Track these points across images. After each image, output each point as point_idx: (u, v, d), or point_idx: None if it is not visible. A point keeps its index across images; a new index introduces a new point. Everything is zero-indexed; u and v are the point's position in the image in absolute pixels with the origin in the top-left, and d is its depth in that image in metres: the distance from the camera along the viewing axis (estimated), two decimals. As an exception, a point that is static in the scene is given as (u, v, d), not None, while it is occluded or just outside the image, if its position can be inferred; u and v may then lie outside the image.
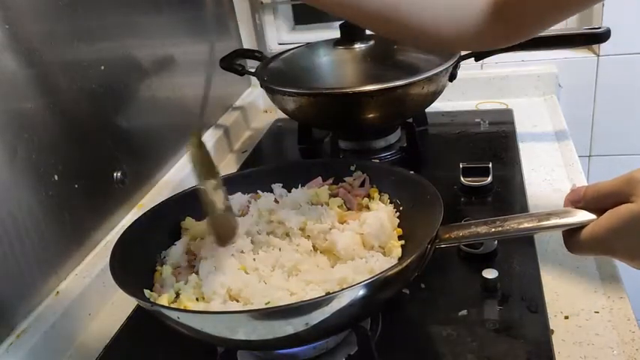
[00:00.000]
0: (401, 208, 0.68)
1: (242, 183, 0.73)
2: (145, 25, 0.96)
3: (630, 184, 0.47)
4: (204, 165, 0.61)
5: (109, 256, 0.58)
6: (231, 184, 0.73)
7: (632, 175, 0.47)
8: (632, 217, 0.46)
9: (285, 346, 0.57)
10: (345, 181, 0.73)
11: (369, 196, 0.70)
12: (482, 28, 0.62)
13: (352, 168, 0.73)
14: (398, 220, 0.67)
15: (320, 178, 0.73)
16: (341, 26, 1.11)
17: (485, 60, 1.08)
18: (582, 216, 0.51)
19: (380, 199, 0.70)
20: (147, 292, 0.58)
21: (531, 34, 0.64)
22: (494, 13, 0.61)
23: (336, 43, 1.12)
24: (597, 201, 0.50)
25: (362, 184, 0.72)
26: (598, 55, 1.23)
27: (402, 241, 0.65)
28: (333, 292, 0.50)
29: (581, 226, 0.51)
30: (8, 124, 0.65)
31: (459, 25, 0.63)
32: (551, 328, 0.62)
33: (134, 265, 0.60)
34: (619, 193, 0.48)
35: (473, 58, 1.05)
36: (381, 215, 0.65)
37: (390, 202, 0.69)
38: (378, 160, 1.01)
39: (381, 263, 0.60)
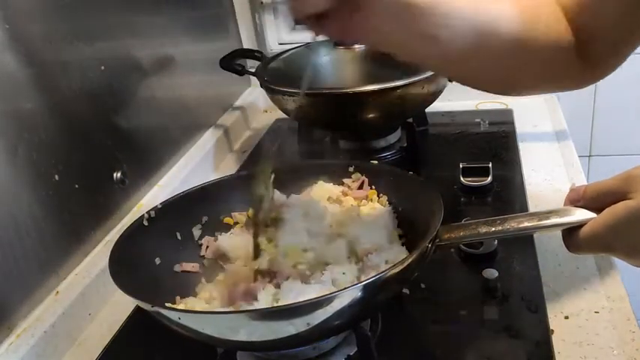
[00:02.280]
0: (400, 209, 0.68)
1: (241, 184, 0.73)
2: (145, 25, 0.96)
3: (628, 181, 0.47)
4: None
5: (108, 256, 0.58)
6: (231, 185, 0.73)
7: (630, 173, 0.48)
8: (630, 213, 0.47)
9: (287, 346, 0.57)
10: (344, 183, 0.73)
11: (367, 197, 0.70)
12: (568, 71, 0.62)
13: (351, 169, 0.73)
14: (397, 221, 0.67)
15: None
16: (341, 26, 1.11)
17: (485, 60, 1.08)
18: (582, 215, 0.51)
19: (378, 201, 0.70)
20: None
21: (610, 67, 0.63)
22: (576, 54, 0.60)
23: (336, 43, 1.12)
24: (596, 199, 0.50)
25: (361, 186, 0.72)
26: (598, 55, 1.23)
27: (402, 240, 0.65)
28: (333, 292, 0.50)
29: (580, 225, 0.51)
30: (9, 124, 0.65)
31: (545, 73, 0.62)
32: (551, 328, 0.62)
33: (134, 265, 0.60)
34: (617, 191, 0.48)
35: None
36: (384, 215, 0.66)
37: (390, 203, 0.69)
38: (377, 161, 1.01)
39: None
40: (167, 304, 0.59)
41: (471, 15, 0.56)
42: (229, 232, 0.70)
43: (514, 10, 0.58)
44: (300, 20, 0.54)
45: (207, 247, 0.69)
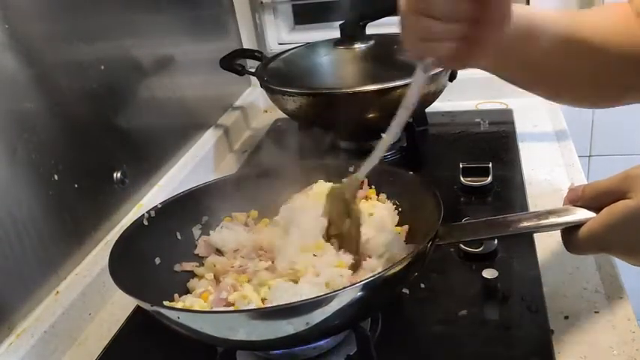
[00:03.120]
0: (400, 209, 0.68)
1: (242, 184, 0.74)
2: (145, 25, 0.96)
3: (627, 181, 0.47)
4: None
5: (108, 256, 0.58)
6: (231, 185, 0.73)
7: (628, 173, 0.48)
8: (628, 212, 0.47)
9: (286, 345, 0.57)
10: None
11: (366, 197, 0.70)
12: None
13: (351, 169, 0.73)
14: (397, 217, 0.67)
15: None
16: (341, 26, 1.11)
17: (486, 60, 1.08)
18: (581, 214, 0.51)
19: (378, 199, 0.70)
20: None
21: None
22: None
23: (336, 43, 1.12)
24: (595, 199, 0.50)
25: (360, 186, 0.72)
26: (598, 55, 1.23)
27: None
28: (332, 292, 0.50)
29: (579, 225, 0.51)
30: (8, 124, 0.65)
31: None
32: (551, 328, 0.62)
33: (134, 265, 0.60)
34: (616, 190, 0.48)
35: (473, 58, 1.05)
36: (383, 213, 0.66)
37: (389, 202, 0.69)
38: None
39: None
40: (165, 302, 0.59)
41: (568, 34, 0.61)
42: (220, 226, 0.70)
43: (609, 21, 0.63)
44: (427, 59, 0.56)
45: (201, 245, 0.69)
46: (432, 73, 0.58)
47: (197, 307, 0.58)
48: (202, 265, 0.67)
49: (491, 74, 0.65)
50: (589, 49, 0.61)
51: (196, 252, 0.68)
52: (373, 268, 0.60)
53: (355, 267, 0.60)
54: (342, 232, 0.62)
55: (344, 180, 0.68)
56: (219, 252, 0.68)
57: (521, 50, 0.60)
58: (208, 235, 0.69)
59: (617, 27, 0.62)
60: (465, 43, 0.53)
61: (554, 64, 0.62)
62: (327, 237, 0.63)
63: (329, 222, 0.63)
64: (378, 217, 0.66)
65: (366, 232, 0.63)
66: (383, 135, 0.61)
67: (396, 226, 0.67)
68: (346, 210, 0.62)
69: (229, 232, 0.68)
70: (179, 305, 0.59)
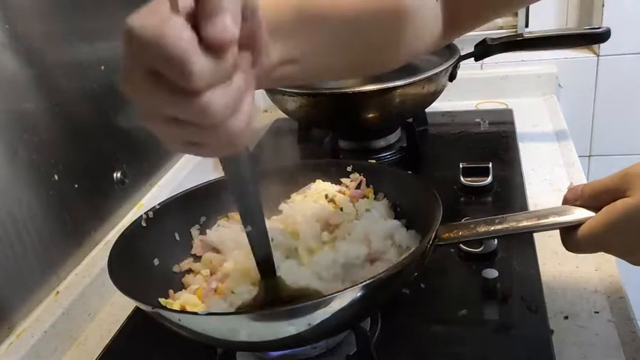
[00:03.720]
0: (399, 209, 0.68)
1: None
2: (144, 25, 0.95)
3: (626, 179, 0.47)
4: None
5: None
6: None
7: (627, 171, 0.48)
8: (628, 211, 0.47)
9: (288, 346, 0.57)
10: (342, 183, 0.73)
11: (364, 197, 0.71)
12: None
13: (349, 169, 0.73)
14: (393, 213, 0.68)
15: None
16: (341, 26, 1.11)
17: (486, 60, 1.08)
18: (580, 213, 0.51)
19: (375, 197, 0.70)
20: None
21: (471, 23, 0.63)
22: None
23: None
24: (595, 198, 0.50)
25: (358, 186, 0.72)
26: (598, 55, 1.23)
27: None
28: (333, 293, 0.50)
29: (578, 224, 0.51)
30: (8, 124, 0.65)
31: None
32: (551, 328, 0.62)
33: (133, 266, 0.60)
34: (615, 189, 0.48)
35: (473, 58, 1.05)
36: (381, 209, 0.67)
37: (387, 200, 0.69)
38: (376, 161, 1.01)
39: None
40: (160, 299, 0.59)
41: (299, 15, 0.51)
42: (216, 224, 0.70)
43: None
44: None
45: (198, 244, 0.69)
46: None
47: (191, 304, 0.58)
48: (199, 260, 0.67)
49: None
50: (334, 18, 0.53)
51: (193, 252, 0.68)
52: (381, 252, 0.62)
53: None
54: None
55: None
56: (215, 250, 0.68)
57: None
58: (205, 234, 0.69)
59: None
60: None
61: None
62: None
63: None
64: (376, 211, 0.66)
65: (367, 224, 0.63)
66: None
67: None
68: None
69: (226, 230, 0.68)
70: (176, 303, 0.59)
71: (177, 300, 0.60)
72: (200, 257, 0.68)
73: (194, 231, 0.69)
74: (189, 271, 0.67)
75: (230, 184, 0.45)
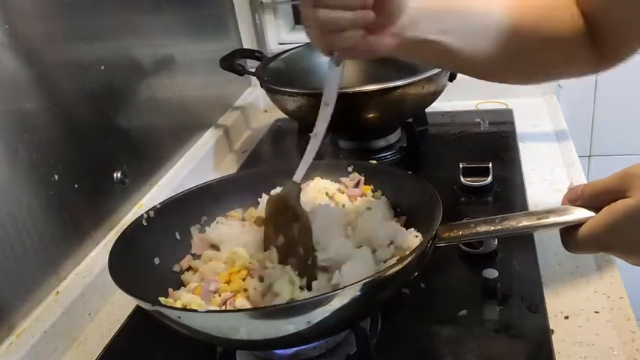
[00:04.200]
0: (399, 209, 0.68)
1: (240, 184, 0.74)
2: (145, 25, 0.96)
3: (626, 179, 0.47)
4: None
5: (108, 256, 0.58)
6: (230, 185, 0.73)
7: (627, 171, 0.48)
8: (628, 211, 0.47)
9: (287, 345, 0.57)
10: (341, 182, 0.73)
11: (362, 195, 0.71)
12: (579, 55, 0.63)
13: (349, 169, 0.73)
14: (392, 211, 0.68)
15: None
16: (341, 26, 1.11)
17: (485, 60, 1.08)
18: (580, 213, 0.51)
19: (373, 195, 0.70)
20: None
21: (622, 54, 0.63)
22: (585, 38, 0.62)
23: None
24: (594, 198, 0.50)
25: (357, 185, 0.72)
26: (598, 55, 1.23)
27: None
28: (333, 291, 0.50)
29: (578, 224, 0.51)
30: (8, 124, 0.65)
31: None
32: (551, 328, 0.62)
33: (133, 265, 0.60)
34: (615, 189, 0.48)
35: (473, 58, 1.05)
36: (381, 206, 0.67)
37: (384, 197, 0.70)
38: (376, 161, 1.01)
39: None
40: (160, 298, 0.59)
41: (466, 15, 0.60)
42: (215, 221, 0.70)
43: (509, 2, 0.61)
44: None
45: (197, 243, 0.69)
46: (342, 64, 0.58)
47: (193, 303, 0.58)
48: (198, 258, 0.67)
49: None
50: (501, 29, 0.61)
51: (193, 251, 0.68)
52: (383, 258, 0.61)
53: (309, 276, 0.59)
54: (289, 238, 0.60)
55: (284, 186, 0.67)
56: (215, 248, 0.68)
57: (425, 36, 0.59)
58: (204, 232, 0.69)
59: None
60: (368, 32, 0.54)
61: (461, 46, 0.61)
62: (266, 248, 0.62)
63: (273, 231, 0.62)
64: (376, 210, 0.66)
65: (367, 225, 0.63)
66: (311, 134, 0.60)
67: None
68: (292, 216, 0.60)
69: (225, 228, 0.68)
70: (177, 303, 0.59)
71: (178, 300, 0.59)
72: (200, 256, 0.68)
73: (194, 231, 0.69)
74: (189, 268, 0.66)
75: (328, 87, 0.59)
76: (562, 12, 0.62)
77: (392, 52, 0.59)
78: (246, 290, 0.59)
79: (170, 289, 0.62)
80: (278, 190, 0.68)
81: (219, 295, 0.59)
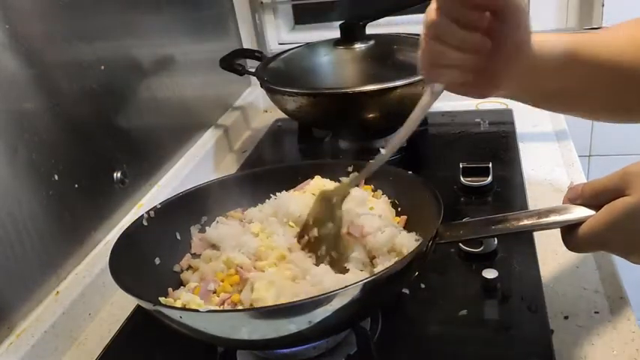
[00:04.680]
0: (400, 209, 0.68)
1: (240, 184, 0.74)
2: (145, 25, 0.96)
3: (625, 178, 0.47)
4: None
5: (109, 256, 0.58)
6: (230, 185, 0.73)
7: (626, 170, 0.48)
8: (627, 210, 0.47)
9: (288, 345, 0.57)
10: (341, 182, 0.72)
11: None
12: None
13: (349, 169, 0.73)
14: (394, 210, 0.68)
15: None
16: (341, 26, 1.11)
17: (485, 60, 1.08)
18: (580, 212, 0.51)
19: (373, 195, 0.70)
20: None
21: None
22: None
23: (336, 43, 1.12)
24: (595, 197, 0.50)
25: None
26: (598, 55, 1.23)
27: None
28: (333, 291, 0.50)
29: (579, 223, 0.51)
30: (8, 124, 0.65)
31: None
32: (551, 328, 0.62)
33: (134, 265, 0.60)
34: (615, 188, 0.48)
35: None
36: (382, 206, 0.67)
37: (385, 197, 0.70)
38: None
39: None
40: (161, 298, 0.59)
41: (593, 62, 0.60)
42: (215, 221, 0.70)
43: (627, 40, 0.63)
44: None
45: (197, 243, 0.68)
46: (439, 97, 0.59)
47: (192, 302, 0.58)
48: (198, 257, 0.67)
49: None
50: (603, 66, 0.61)
51: (193, 251, 0.68)
52: (385, 265, 0.60)
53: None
54: (321, 234, 0.63)
55: (341, 181, 0.68)
56: (215, 248, 0.68)
57: (536, 79, 0.60)
58: (204, 232, 0.69)
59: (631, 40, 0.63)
60: (480, 74, 0.55)
61: (570, 85, 0.62)
62: (299, 237, 0.64)
63: (313, 223, 0.64)
64: (378, 212, 0.66)
65: (368, 228, 0.63)
66: (382, 150, 0.62)
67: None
68: (331, 215, 0.63)
69: (225, 227, 0.68)
70: (177, 302, 0.59)
71: (178, 299, 0.59)
72: (199, 255, 0.68)
73: (195, 231, 0.69)
74: (189, 267, 0.66)
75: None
76: None
77: (505, 97, 0.62)
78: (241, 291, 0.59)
79: (170, 289, 0.62)
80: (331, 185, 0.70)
81: (218, 296, 0.59)
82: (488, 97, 0.60)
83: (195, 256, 0.68)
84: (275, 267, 0.61)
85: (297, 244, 0.64)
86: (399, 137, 0.62)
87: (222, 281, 0.60)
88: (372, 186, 0.72)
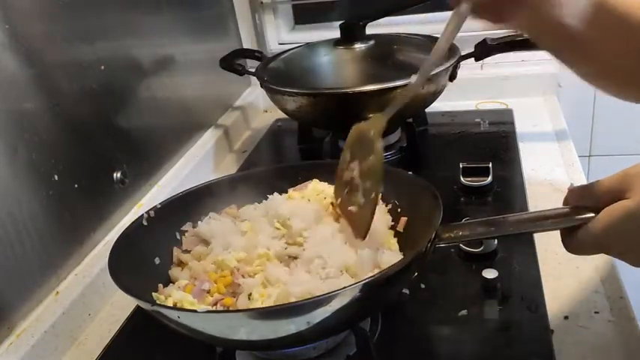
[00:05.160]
0: (399, 209, 0.68)
1: (240, 184, 0.74)
2: (145, 25, 0.96)
3: (626, 180, 0.47)
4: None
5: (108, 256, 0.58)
6: (230, 185, 0.73)
7: (626, 172, 0.48)
8: (627, 213, 0.47)
9: (287, 345, 0.57)
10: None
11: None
12: None
13: None
14: (390, 217, 0.67)
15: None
16: (341, 26, 1.11)
17: (486, 60, 1.08)
18: (580, 215, 0.51)
19: None
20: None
21: None
22: None
23: (336, 43, 1.12)
24: (595, 199, 0.50)
25: None
26: (598, 55, 1.23)
27: (400, 239, 0.65)
28: (333, 291, 0.50)
29: (578, 226, 0.51)
30: (8, 124, 0.65)
31: None
32: (551, 328, 0.62)
33: (133, 265, 0.60)
34: (615, 190, 0.48)
35: (473, 58, 1.05)
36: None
37: (388, 203, 0.69)
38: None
39: (388, 257, 0.60)
40: (154, 294, 0.59)
41: (623, 14, 0.55)
42: (207, 217, 0.70)
43: None
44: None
45: (188, 238, 0.68)
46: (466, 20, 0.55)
47: (184, 301, 0.58)
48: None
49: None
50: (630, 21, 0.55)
51: (184, 247, 0.67)
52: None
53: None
54: (363, 169, 0.61)
55: (371, 118, 0.67)
56: (205, 243, 0.67)
57: (558, 14, 0.54)
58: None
59: None
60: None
61: (593, 35, 0.56)
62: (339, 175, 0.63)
63: (351, 157, 0.63)
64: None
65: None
66: (412, 77, 0.61)
67: (393, 224, 0.67)
68: (369, 149, 0.61)
69: (217, 224, 0.68)
70: (167, 299, 0.59)
71: (169, 297, 0.59)
72: (189, 251, 0.67)
73: (189, 227, 0.69)
74: (179, 262, 0.66)
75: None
76: None
77: (524, 28, 0.57)
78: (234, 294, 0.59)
79: (160, 285, 0.62)
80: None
81: (212, 296, 0.59)
82: (512, 23, 0.56)
83: (186, 251, 0.67)
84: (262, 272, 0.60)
85: (280, 244, 0.63)
86: (429, 64, 0.60)
87: (216, 282, 0.60)
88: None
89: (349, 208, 0.62)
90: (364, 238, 0.60)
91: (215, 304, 0.58)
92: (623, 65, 0.59)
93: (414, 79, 0.60)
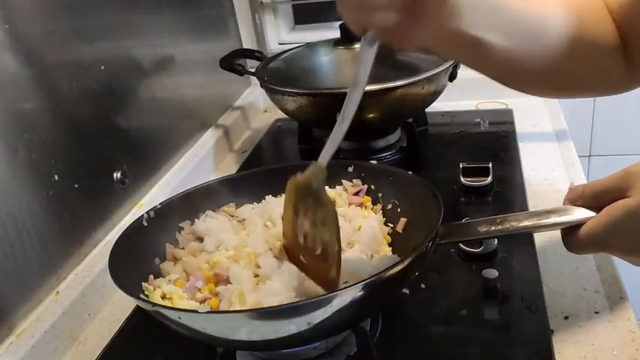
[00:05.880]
0: (399, 209, 0.68)
1: (240, 185, 0.74)
2: (145, 25, 0.96)
3: (626, 179, 0.47)
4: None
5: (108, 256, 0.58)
6: (229, 185, 0.73)
7: (627, 171, 0.48)
8: (628, 212, 0.47)
9: (288, 345, 0.57)
10: (342, 183, 0.73)
11: (362, 204, 0.70)
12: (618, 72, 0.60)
13: (350, 169, 0.73)
14: (387, 228, 0.68)
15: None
16: (341, 26, 1.11)
17: (486, 60, 1.08)
18: (581, 213, 0.51)
19: (372, 209, 0.70)
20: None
21: None
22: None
23: (336, 43, 1.12)
24: (595, 198, 0.50)
25: (357, 193, 0.72)
26: (598, 55, 1.23)
27: (400, 239, 0.65)
28: (333, 292, 0.50)
29: (579, 224, 0.51)
30: (8, 124, 0.65)
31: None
32: (551, 328, 0.62)
33: (134, 265, 0.60)
34: (616, 189, 0.48)
35: (473, 58, 1.05)
36: (373, 224, 0.66)
37: (388, 203, 0.69)
38: (377, 161, 1.01)
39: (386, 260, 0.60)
40: (144, 284, 0.60)
41: (518, 15, 0.56)
42: (204, 215, 0.70)
43: (559, 10, 0.58)
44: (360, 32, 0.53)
45: (184, 236, 0.68)
46: (377, 46, 0.54)
47: (174, 294, 0.58)
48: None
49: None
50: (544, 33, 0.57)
51: (181, 245, 0.67)
52: None
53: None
54: (316, 223, 0.56)
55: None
56: (200, 240, 0.67)
57: (457, 25, 0.53)
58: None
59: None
60: (407, 17, 0.50)
61: (504, 47, 0.56)
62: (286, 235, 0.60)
63: (296, 212, 0.58)
64: (366, 231, 0.64)
65: (353, 258, 0.62)
66: (338, 119, 0.58)
67: (391, 228, 0.67)
68: (316, 202, 0.56)
69: (213, 222, 0.68)
70: (156, 290, 0.59)
71: (158, 288, 0.59)
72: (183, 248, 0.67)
73: (187, 225, 0.69)
74: (172, 257, 0.66)
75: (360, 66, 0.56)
76: (606, 24, 0.59)
77: (429, 43, 0.55)
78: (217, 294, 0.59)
79: (151, 276, 0.62)
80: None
81: (202, 293, 0.60)
82: (416, 44, 0.54)
83: (180, 247, 0.67)
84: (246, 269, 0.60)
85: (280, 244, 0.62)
86: (352, 99, 0.58)
87: (209, 282, 0.60)
88: (375, 189, 0.71)
89: (308, 261, 0.58)
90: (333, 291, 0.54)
91: (203, 301, 0.59)
92: (526, 66, 0.59)
93: (338, 120, 0.59)
